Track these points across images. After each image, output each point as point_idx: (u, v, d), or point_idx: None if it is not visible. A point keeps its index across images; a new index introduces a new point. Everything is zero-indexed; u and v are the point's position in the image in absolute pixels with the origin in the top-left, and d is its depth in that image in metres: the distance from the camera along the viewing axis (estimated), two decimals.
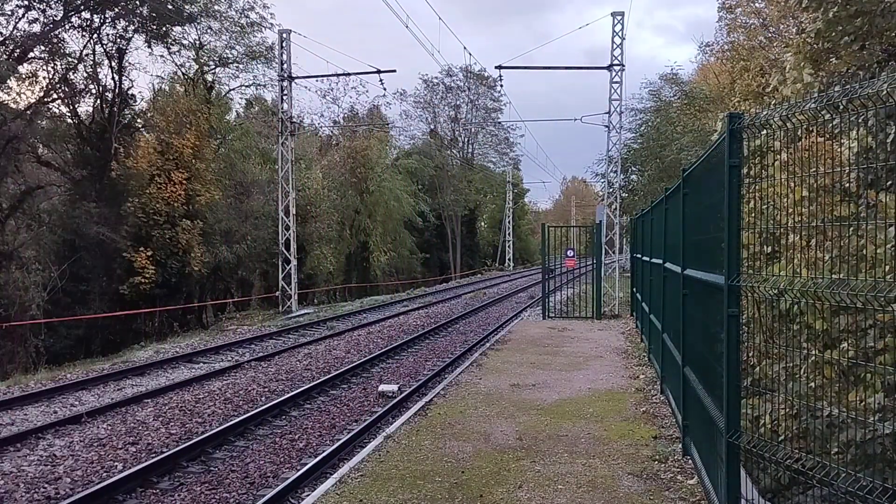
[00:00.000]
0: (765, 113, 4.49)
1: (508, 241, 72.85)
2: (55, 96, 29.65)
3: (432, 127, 67.79)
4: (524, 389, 10.79)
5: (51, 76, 29.07)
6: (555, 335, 17.25)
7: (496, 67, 26.28)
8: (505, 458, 7.28)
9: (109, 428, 10.81)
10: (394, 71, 27.60)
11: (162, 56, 33.53)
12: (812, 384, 5.73)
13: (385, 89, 68.03)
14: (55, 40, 28.33)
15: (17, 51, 27.06)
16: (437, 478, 6.71)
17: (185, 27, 31.98)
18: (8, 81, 26.77)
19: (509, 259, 72.75)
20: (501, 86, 54.28)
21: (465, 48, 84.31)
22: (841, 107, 3.85)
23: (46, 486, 8.31)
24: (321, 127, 52.71)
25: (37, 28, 27.56)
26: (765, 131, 4.73)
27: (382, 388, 13.07)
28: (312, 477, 8.30)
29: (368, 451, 7.72)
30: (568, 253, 23.76)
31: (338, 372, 14.57)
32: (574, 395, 10.36)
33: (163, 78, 35.05)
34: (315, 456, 9.14)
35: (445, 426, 8.60)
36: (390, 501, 6.15)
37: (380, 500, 6.19)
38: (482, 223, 79.11)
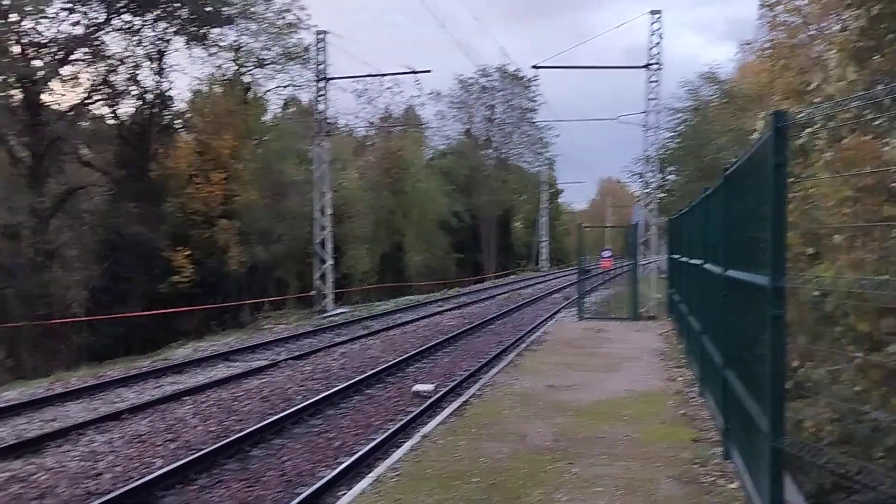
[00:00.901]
0: (808, 111, 4.42)
1: (543, 241, 72.50)
2: (96, 98, 30.16)
3: (467, 127, 67.74)
4: (560, 390, 10.73)
5: (92, 78, 29.58)
6: (591, 336, 17.14)
7: (532, 67, 26.23)
8: (542, 460, 7.24)
9: (149, 425, 10.95)
10: (429, 71, 27.78)
11: (200, 58, 33.92)
12: (856, 387, 5.63)
13: (420, 90, 68.32)
14: (97, 43, 28.82)
15: (60, 53, 27.58)
16: (473, 478, 6.69)
17: (224, 29, 32.31)
18: (51, 83, 27.32)
19: (544, 260, 72.42)
20: (537, 86, 54.14)
21: (501, 48, 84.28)
22: (886, 105, 3.77)
23: (88, 481, 8.43)
24: (356, 127, 52.95)
25: (79, 31, 28.08)
26: (808, 130, 4.66)
27: (418, 387, 13.07)
28: (349, 476, 8.31)
29: (404, 450, 7.74)
30: (604, 253, 23.59)
31: (373, 371, 14.62)
32: (611, 397, 10.28)
33: (201, 79, 35.44)
34: (351, 455, 9.16)
35: (481, 427, 8.59)
36: (427, 501, 6.15)
37: (416, 499, 6.19)
38: (517, 223, 78.78)
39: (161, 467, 8.69)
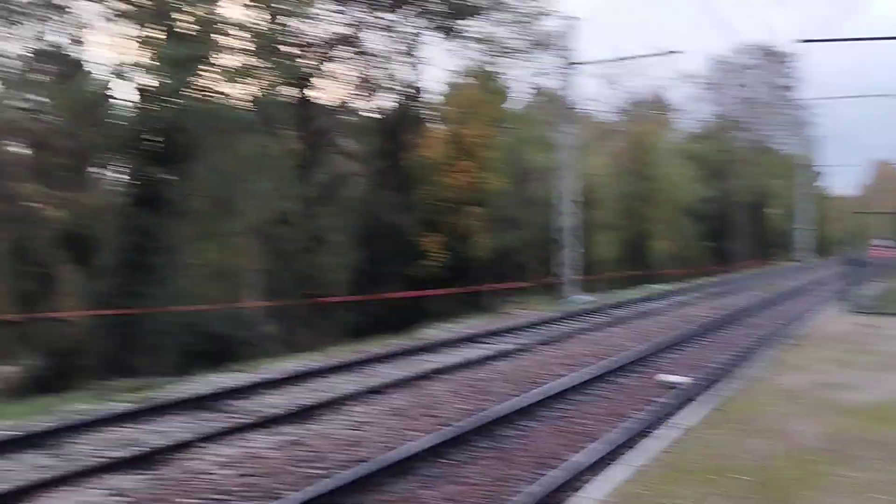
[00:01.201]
0: None
1: (802, 229, 67.13)
2: (357, 93, 32.29)
3: (720, 109, 64.43)
4: (827, 388, 9.93)
5: (356, 74, 31.67)
6: (862, 332, 15.68)
7: (796, 42, 24.47)
8: (812, 460, 6.74)
9: (406, 399, 11.56)
10: (680, 52, 26.75)
11: (451, 50, 35.06)
12: None
13: (671, 72, 66.04)
14: (358, 40, 30.83)
15: (326, 51, 29.85)
16: (735, 474, 6.37)
17: (474, 20, 33.11)
18: (317, 80, 29.68)
19: (803, 249, 67.09)
20: (798, 63, 50.30)
21: (765, 24, 79.23)
22: None
23: (353, 448, 9.04)
24: (602, 112, 52.19)
25: (341, 30, 30.16)
26: None
27: (668, 378, 12.66)
28: (600, 461, 8.23)
29: (659, 441, 7.55)
30: (879, 242, 21.44)
31: (619, 360, 14.36)
32: (888, 398, 9.36)
33: (452, 71, 36.66)
34: (601, 442, 9.07)
35: (741, 422, 8.16)
36: (689, 493, 5.95)
37: (678, 491, 6.01)
38: (772, 210, 73.64)
39: (420, 440, 9.10)
